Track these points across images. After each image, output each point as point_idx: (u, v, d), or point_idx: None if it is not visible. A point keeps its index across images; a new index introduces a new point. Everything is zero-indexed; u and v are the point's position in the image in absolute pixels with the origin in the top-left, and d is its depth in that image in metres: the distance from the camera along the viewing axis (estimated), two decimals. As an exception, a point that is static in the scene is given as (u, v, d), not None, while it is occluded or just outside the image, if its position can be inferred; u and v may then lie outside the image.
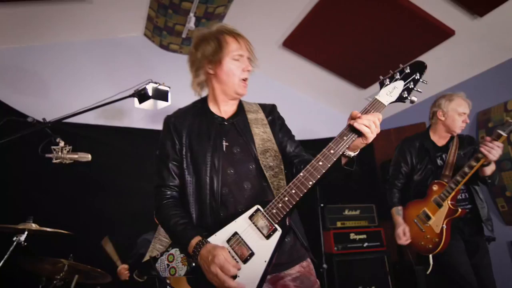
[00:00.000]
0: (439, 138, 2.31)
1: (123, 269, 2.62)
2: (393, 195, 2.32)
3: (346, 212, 3.65)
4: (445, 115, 2.26)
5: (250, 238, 1.08)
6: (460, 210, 2.03)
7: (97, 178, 3.17)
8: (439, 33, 3.31)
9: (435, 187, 2.13)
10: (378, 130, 1.07)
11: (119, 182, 3.29)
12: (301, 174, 1.09)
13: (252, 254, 1.06)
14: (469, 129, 3.67)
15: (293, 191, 1.08)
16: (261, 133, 1.32)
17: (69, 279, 2.12)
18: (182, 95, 3.73)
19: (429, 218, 2.11)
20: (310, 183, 1.08)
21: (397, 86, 1.12)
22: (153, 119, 3.70)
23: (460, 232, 2.10)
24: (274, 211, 1.08)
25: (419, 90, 1.12)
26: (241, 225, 1.10)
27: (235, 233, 1.09)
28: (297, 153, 1.35)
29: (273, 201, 1.10)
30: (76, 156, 2.04)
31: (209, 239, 1.10)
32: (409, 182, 2.30)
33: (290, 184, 1.10)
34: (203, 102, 1.41)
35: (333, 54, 3.92)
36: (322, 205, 3.47)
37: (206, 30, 1.36)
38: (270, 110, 1.44)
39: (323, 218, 3.52)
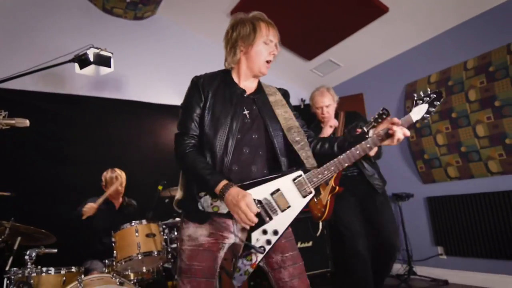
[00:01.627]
0: (324, 125, 2.79)
1: (92, 205, 2.73)
2: None
3: (289, 176, 3.94)
4: (313, 109, 2.81)
5: (290, 194, 1.37)
6: (337, 188, 2.49)
7: (37, 145, 3.11)
8: (375, 9, 3.55)
9: None
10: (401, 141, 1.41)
11: (61, 149, 3.25)
12: (341, 156, 1.39)
13: (289, 206, 1.37)
14: (398, 100, 4.08)
15: (332, 168, 1.39)
16: (283, 113, 1.54)
17: (11, 242, 2.14)
18: (126, 61, 3.72)
19: (320, 193, 2.58)
20: (346, 164, 1.39)
21: (423, 109, 1.44)
22: (97, 86, 3.62)
23: (353, 192, 2.57)
24: (314, 179, 1.38)
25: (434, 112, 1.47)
26: (285, 183, 1.38)
27: (278, 189, 1.38)
28: (310, 134, 1.61)
29: (315, 171, 1.39)
30: (13, 121, 2.00)
31: (251, 190, 1.33)
32: None
33: (331, 162, 1.39)
34: (226, 73, 1.57)
35: (279, 25, 4.00)
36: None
37: (243, 15, 1.56)
38: (284, 94, 1.65)
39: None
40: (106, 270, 2.46)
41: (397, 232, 2.49)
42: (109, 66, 2.86)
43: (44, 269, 2.20)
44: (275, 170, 1.45)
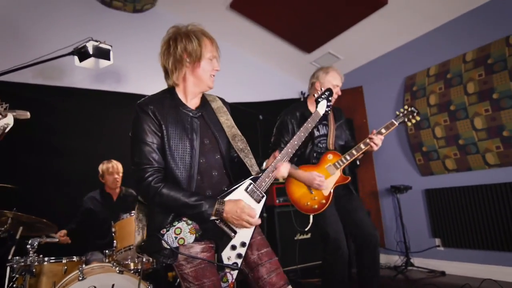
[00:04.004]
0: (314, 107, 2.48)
1: (62, 234, 2.70)
2: None
3: (288, 169, 3.97)
4: (321, 86, 2.40)
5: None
6: (349, 178, 2.30)
7: (38, 138, 3.15)
8: (374, 1, 3.55)
9: (330, 156, 2.34)
10: None
11: (61, 142, 3.29)
12: (278, 157, 1.48)
13: None
14: (398, 92, 4.08)
15: (273, 171, 1.47)
16: (226, 121, 1.55)
17: (13, 231, 2.19)
18: (125, 55, 3.73)
19: None
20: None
21: (323, 105, 1.82)
22: (96, 79, 3.64)
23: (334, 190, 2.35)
24: (263, 183, 1.45)
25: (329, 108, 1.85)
26: (239, 195, 1.42)
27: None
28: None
29: (262, 177, 1.45)
30: (14, 113, 2.03)
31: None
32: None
33: (270, 167, 1.46)
34: (172, 93, 1.49)
35: (279, 18, 4.04)
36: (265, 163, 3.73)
37: (185, 28, 1.47)
38: (223, 101, 1.64)
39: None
40: (107, 260, 2.50)
41: (374, 225, 2.38)
42: (109, 59, 2.88)
43: (46, 258, 2.26)
44: (226, 175, 1.50)
